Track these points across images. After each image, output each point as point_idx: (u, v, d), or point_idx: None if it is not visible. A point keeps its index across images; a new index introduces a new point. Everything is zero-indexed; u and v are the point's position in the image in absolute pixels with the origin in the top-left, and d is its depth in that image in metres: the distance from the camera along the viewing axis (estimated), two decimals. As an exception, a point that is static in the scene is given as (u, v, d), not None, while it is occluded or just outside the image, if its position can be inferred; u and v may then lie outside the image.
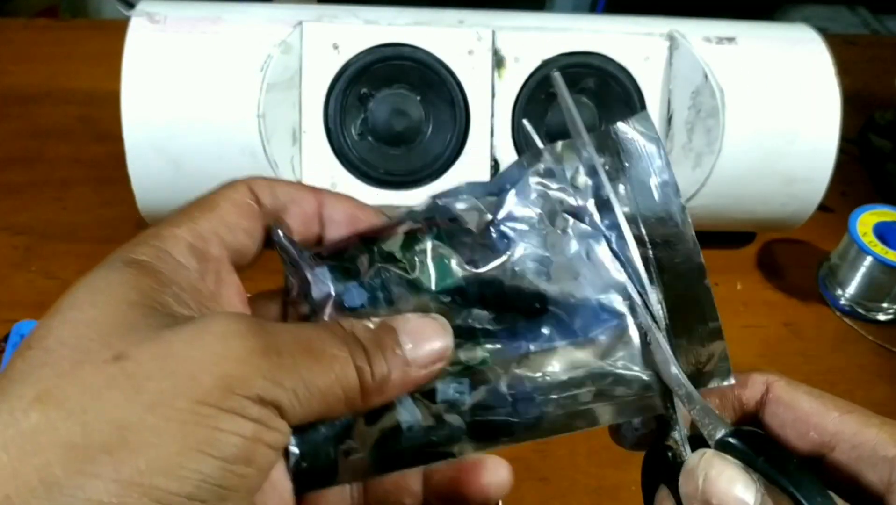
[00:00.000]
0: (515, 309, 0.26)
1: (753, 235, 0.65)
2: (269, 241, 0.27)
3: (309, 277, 0.26)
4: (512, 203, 0.27)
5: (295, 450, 0.24)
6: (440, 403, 0.25)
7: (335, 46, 0.53)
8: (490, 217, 0.27)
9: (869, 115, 0.74)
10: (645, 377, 0.26)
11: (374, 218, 0.28)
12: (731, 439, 0.24)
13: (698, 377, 0.26)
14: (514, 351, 0.26)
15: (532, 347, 0.26)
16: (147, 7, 0.53)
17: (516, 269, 0.27)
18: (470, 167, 0.55)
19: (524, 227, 0.27)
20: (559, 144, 0.28)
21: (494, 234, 0.27)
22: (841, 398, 0.26)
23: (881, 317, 0.59)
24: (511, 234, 0.27)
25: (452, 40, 0.54)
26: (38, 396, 0.20)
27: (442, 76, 0.54)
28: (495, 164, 0.55)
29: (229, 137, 0.52)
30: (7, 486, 0.19)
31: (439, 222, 0.27)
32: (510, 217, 0.27)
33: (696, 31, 0.56)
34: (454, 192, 0.27)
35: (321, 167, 0.54)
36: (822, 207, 0.58)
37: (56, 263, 0.57)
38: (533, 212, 0.27)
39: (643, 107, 0.56)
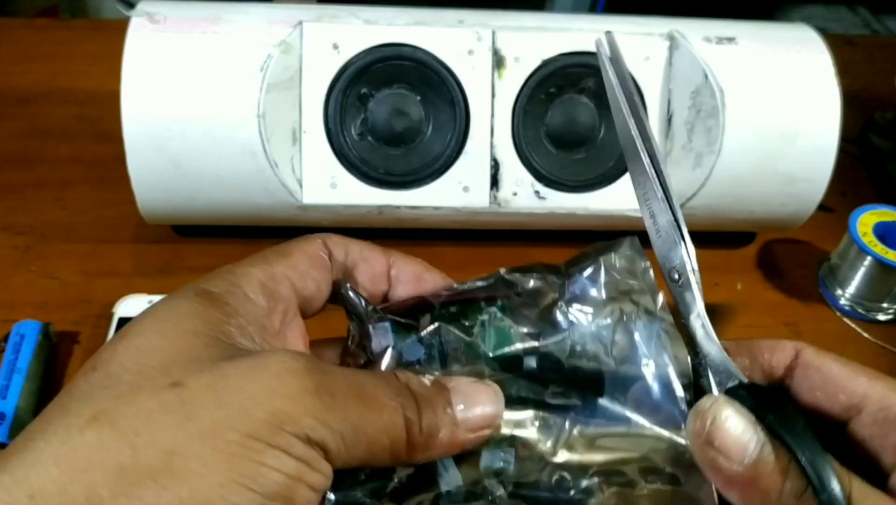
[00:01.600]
0: (571, 387, 0.26)
1: (753, 235, 0.65)
2: (334, 297, 0.28)
3: (370, 329, 0.27)
4: (579, 286, 0.27)
5: (332, 497, 0.24)
6: (483, 470, 0.25)
7: (335, 46, 0.53)
8: (556, 296, 0.27)
9: (869, 116, 0.74)
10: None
11: (440, 280, 0.29)
12: (741, 391, 0.25)
13: None
14: (562, 430, 0.26)
15: (581, 429, 0.26)
16: (147, 7, 0.53)
17: (577, 347, 0.26)
18: (470, 167, 0.55)
19: (590, 309, 0.27)
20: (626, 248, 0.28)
21: (559, 315, 0.27)
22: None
23: (881, 317, 0.59)
24: (576, 315, 0.27)
25: (452, 40, 0.54)
26: (95, 415, 0.20)
27: (442, 76, 0.54)
28: (495, 164, 0.55)
29: (229, 137, 0.52)
30: (53, 501, 0.19)
31: (505, 294, 0.27)
32: (576, 298, 0.27)
33: (696, 31, 0.56)
34: (523, 269, 0.28)
35: (321, 167, 0.54)
36: (822, 207, 0.59)
37: (56, 263, 0.57)
38: (601, 297, 0.27)
39: (643, 106, 0.56)
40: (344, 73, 0.54)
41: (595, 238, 0.61)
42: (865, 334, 0.58)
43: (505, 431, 0.25)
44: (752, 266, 0.63)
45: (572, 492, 0.25)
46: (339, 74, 0.54)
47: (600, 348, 0.26)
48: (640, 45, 0.56)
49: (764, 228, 0.63)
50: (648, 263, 0.28)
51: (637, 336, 0.26)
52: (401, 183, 0.55)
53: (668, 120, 0.56)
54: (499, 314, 0.27)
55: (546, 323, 0.27)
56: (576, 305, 0.27)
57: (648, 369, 0.26)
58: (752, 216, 0.59)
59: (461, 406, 0.24)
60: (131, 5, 0.53)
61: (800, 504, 0.22)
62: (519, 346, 0.26)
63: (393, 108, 0.55)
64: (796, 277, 0.62)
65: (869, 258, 0.57)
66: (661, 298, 0.27)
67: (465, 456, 0.25)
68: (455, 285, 0.29)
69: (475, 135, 0.55)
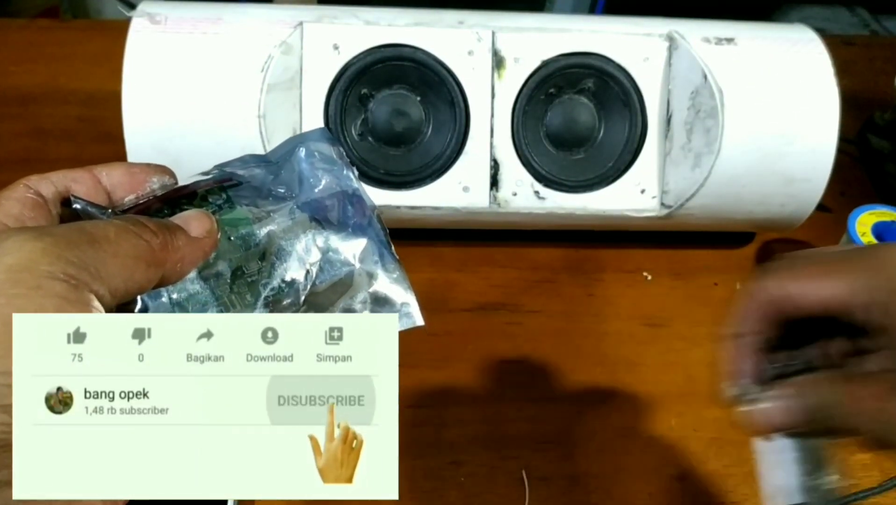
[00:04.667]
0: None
1: (752, 235, 0.65)
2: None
3: None
4: (290, 167, 0.34)
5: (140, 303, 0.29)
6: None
7: (335, 47, 0.53)
8: (272, 178, 0.33)
9: (868, 116, 0.74)
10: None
11: (150, 171, 0.32)
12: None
13: None
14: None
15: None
16: (148, 8, 0.53)
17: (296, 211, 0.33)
18: (470, 167, 0.55)
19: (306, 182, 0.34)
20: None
21: (278, 191, 0.33)
22: None
23: (880, 317, 0.59)
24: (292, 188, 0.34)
25: (452, 41, 0.54)
26: None
27: (442, 77, 0.54)
28: (495, 164, 0.55)
29: (230, 138, 0.52)
30: None
31: (230, 183, 0.33)
32: (289, 176, 0.34)
33: (695, 32, 0.56)
34: (236, 161, 0.34)
35: (321, 167, 0.54)
36: (821, 207, 0.59)
37: (57, 263, 0.57)
38: (312, 171, 0.34)
39: (643, 107, 0.56)
40: (344, 73, 0.54)
41: (595, 238, 0.62)
42: (864, 334, 0.58)
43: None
44: (752, 266, 0.63)
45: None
46: (339, 75, 0.54)
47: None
48: (639, 45, 0.56)
49: (763, 228, 0.63)
50: (341, 147, 0.34)
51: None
52: (401, 183, 0.55)
53: (668, 120, 0.57)
54: (228, 201, 0.32)
55: (268, 199, 0.33)
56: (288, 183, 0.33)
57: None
58: (751, 216, 0.59)
59: (186, 224, 0.29)
60: (132, 6, 0.53)
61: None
62: (247, 215, 0.32)
63: (393, 108, 0.55)
64: (795, 276, 0.62)
65: (868, 258, 0.57)
66: (354, 171, 0.33)
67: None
68: (176, 182, 0.33)
69: (475, 135, 0.55)
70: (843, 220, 0.58)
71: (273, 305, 0.31)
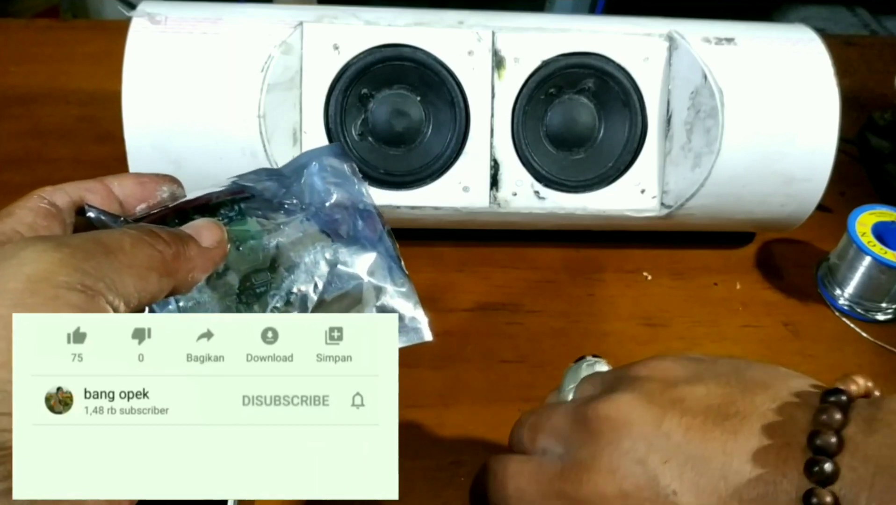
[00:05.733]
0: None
1: (752, 235, 0.65)
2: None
3: None
4: (302, 181, 0.34)
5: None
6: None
7: (335, 47, 0.53)
8: (284, 191, 0.34)
9: (868, 116, 0.74)
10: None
11: (160, 182, 0.32)
12: None
13: None
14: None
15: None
16: (148, 7, 0.53)
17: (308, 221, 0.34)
18: (470, 167, 0.55)
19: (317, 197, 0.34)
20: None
21: (289, 205, 0.34)
22: None
23: (880, 317, 0.59)
24: (302, 201, 0.34)
25: (452, 41, 0.54)
26: None
27: (442, 77, 0.54)
28: (495, 165, 0.55)
29: (230, 138, 0.52)
30: None
31: (242, 196, 0.33)
32: (301, 191, 0.34)
33: (695, 32, 0.56)
34: (250, 175, 0.34)
35: (321, 167, 0.54)
36: (821, 207, 0.59)
37: (57, 263, 0.57)
38: (323, 186, 0.34)
39: (642, 107, 0.56)
40: (344, 73, 0.54)
41: (595, 238, 0.62)
42: (864, 334, 0.58)
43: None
44: (751, 266, 0.63)
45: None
46: (339, 75, 0.54)
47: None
48: (639, 45, 0.56)
49: (763, 228, 0.63)
50: (354, 163, 0.34)
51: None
52: (401, 183, 0.55)
53: (668, 120, 0.57)
54: (240, 213, 0.32)
55: (279, 212, 0.33)
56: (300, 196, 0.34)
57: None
58: (751, 216, 0.59)
59: (197, 234, 0.29)
60: (132, 6, 0.53)
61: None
62: (258, 227, 0.32)
63: (393, 108, 0.55)
64: (795, 277, 0.62)
65: (868, 258, 0.57)
66: (366, 186, 0.34)
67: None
68: (184, 192, 0.33)
69: (475, 135, 0.55)
70: (843, 220, 0.58)
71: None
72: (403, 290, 0.32)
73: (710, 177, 0.55)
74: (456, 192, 0.55)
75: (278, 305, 0.31)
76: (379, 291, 0.32)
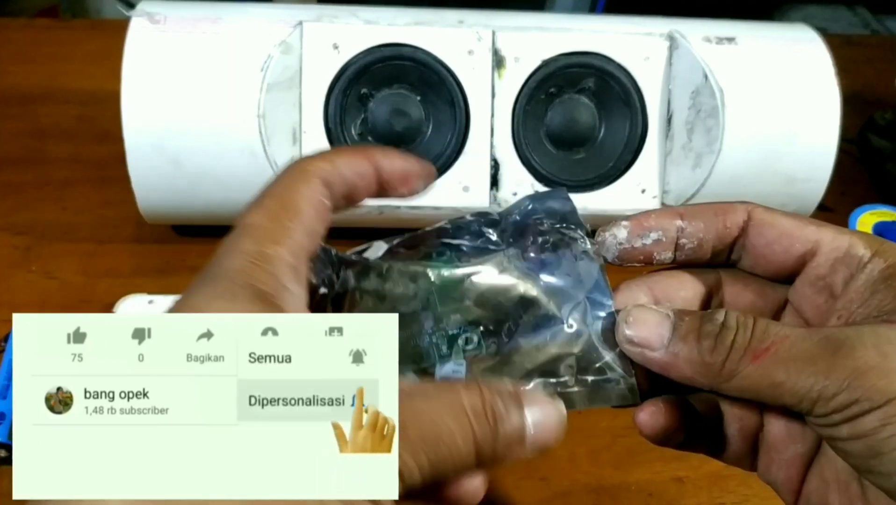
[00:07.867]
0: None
1: (753, 235, 0.65)
2: None
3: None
4: (518, 226, 0.32)
5: (323, 290, 0.29)
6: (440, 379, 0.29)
7: (335, 46, 0.53)
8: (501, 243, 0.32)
9: (869, 116, 0.74)
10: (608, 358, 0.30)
11: (423, 166, 0.31)
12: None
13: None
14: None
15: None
16: (147, 7, 0.53)
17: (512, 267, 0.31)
18: (470, 167, 0.55)
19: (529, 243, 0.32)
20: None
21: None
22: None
23: (881, 316, 0.59)
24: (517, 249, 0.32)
25: (452, 40, 0.54)
26: None
27: (442, 76, 0.54)
28: (495, 164, 0.55)
29: (229, 137, 0.52)
30: None
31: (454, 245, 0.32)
32: (516, 236, 0.32)
33: (695, 32, 0.56)
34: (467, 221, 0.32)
35: (321, 167, 0.54)
36: (822, 207, 0.59)
37: (56, 263, 0.57)
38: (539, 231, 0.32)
39: (643, 106, 0.56)
40: (344, 73, 0.54)
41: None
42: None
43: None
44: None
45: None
46: (339, 74, 0.54)
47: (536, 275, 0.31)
48: (640, 45, 0.56)
49: (763, 228, 0.63)
50: (575, 207, 0.32)
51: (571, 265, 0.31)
52: (401, 183, 0.55)
53: (668, 120, 0.57)
54: (449, 259, 0.32)
55: (483, 253, 0.32)
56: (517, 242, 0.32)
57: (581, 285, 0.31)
58: (751, 216, 0.59)
59: (531, 430, 0.25)
60: (131, 5, 0.53)
61: (715, 349, 0.25)
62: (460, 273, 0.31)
63: (393, 108, 0.55)
64: (796, 276, 0.62)
65: (868, 258, 0.57)
66: (584, 230, 0.32)
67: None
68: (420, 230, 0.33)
69: (475, 135, 0.55)
70: (844, 219, 0.59)
71: (468, 358, 0.30)
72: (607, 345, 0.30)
73: (711, 177, 0.55)
74: (456, 191, 0.55)
75: (468, 350, 0.30)
76: (581, 339, 0.30)
